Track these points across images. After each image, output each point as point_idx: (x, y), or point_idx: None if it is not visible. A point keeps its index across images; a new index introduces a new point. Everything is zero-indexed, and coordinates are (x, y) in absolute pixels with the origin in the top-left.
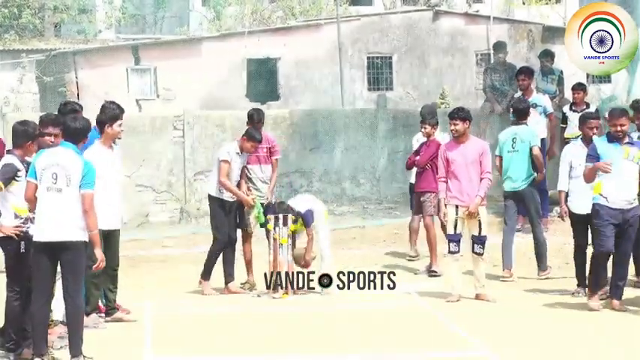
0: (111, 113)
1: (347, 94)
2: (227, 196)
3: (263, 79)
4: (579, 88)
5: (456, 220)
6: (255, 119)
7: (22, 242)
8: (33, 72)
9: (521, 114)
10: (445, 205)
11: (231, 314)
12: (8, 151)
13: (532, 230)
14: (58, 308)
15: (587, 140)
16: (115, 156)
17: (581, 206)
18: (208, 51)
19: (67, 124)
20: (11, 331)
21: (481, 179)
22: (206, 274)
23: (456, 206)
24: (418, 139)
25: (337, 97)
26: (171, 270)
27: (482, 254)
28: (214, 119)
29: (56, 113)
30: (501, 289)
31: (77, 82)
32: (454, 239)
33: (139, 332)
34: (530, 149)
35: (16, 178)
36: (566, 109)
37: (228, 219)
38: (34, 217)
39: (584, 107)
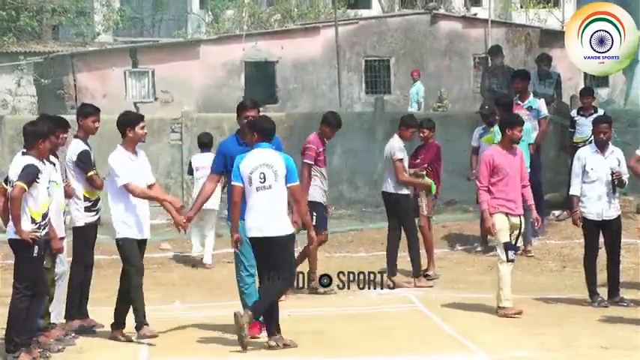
0: (133, 116)
1: (345, 97)
2: None
3: (261, 82)
4: (588, 93)
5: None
6: (333, 123)
7: (36, 246)
8: (31, 74)
9: (507, 108)
10: (491, 214)
11: (228, 318)
12: (24, 153)
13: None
14: (55, 311)
15: (602, 144)
16: (141, 161)
17: (595, 212)
18: (206, 54)
19: (263, 126)
20: (13, 333)
21: (524, 186)
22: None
23: (506, 214)
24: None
25: (335, 100)
26: (168, 273)
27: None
28: (212, 122)
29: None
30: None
31: (75, 85)
32: (513, 248)
33: (136, 336)
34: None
35: (37, 180)
36: (574, 113)
37: None
38: (45, 223)
39: (592, 112)
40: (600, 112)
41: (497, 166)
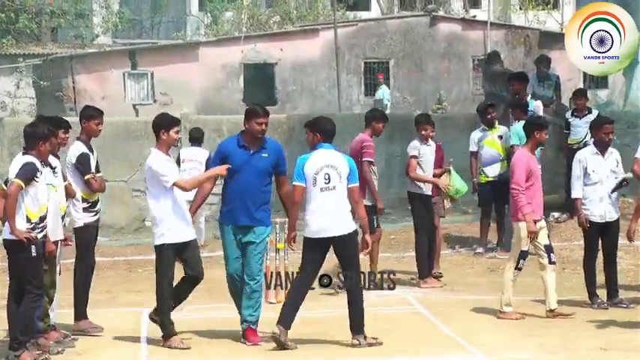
0: (169, 118)
1: (344, 99)
2: None
3: (260, 83)
4: (581, 94)
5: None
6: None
7: (33, 246)
8: (30, 77)
9: (525, 109)
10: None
11: (227, 319)
12: (24, 152)
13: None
14: (52, 313)
15: (603, 146)
16: (174, 163)
17: (599, 214)
18: (205, 56)
19: (325, 126)
20: (18, 332)
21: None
22: None
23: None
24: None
25: (334, 102)
26: None
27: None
28: (211, 124)
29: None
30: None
31: (74, 87)
32: (553, 250)
33: (136, 338)
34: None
35: (35, 179)
36: (568, 114)
37: None
38: (43, 226)
39: (586, 113)
40: (595, 112)
41: (530, 171)
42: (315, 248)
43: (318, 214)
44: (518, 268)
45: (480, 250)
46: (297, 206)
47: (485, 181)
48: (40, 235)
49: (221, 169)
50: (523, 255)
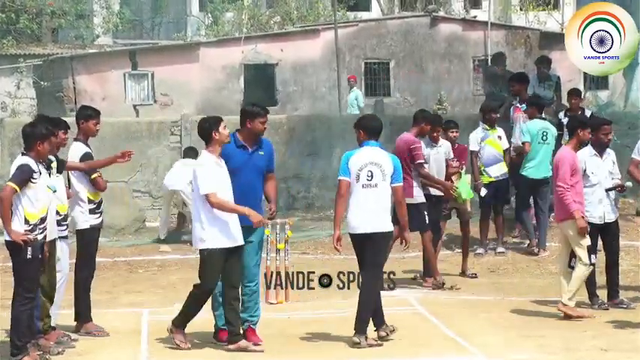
0: (212, 119)
1: (344, 99)
2: None
3: (260, 84)
4: (576, 94)
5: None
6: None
7: (29, 248)
8: (30, 77)
9: (540, 108)
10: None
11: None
12: (23, 153)
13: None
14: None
15: (601, 147)
16: (224, 167)
17: (598, 215)
18: (206, 56)
19: (371, 124)
20: (15, 337)
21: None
22: None
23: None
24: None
25: (335, 103)
26: (168, 275)
27: None
28: None
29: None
30: (501, 294)
31: (74, 88)
32: (595, 252)
33: (136, 338)
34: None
35: (32, 180)
36: (561, 115)
37: None
38: (44, 227)
39: (580, 113)
40: (588, 113)
41: (576, 169)
42: (357, 245)
43: (358, 210)
44: (593, 264)
45: (480, 250)
46: (342, 200)
47: (488, 182)
48: (40, 237)
49: (255, 216)
50: (591, 249)
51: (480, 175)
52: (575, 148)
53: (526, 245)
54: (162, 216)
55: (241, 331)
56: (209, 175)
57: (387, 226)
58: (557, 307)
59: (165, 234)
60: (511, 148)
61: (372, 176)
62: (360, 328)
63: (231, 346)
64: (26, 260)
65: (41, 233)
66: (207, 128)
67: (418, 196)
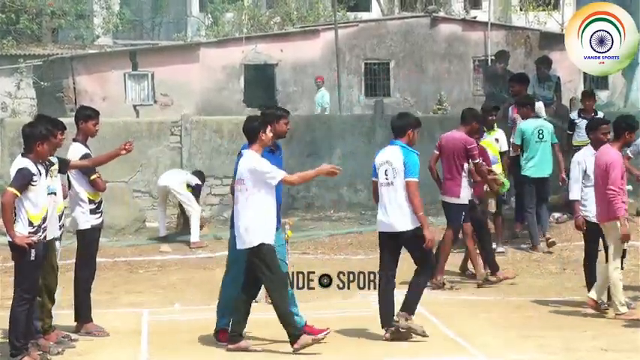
0: (264, 118)
1: (344, 100)
2: None
3: (260, 84)
4: (589, 95)
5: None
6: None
7: (33, 250)
8: (30, 77)
9: (533, 107)
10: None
11: None
12: (23, 154)
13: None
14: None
15: (599, 146)
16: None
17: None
18: (206, 57)
19: (392, 123)
20: (14, 338)
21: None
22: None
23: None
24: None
25: (334, 103)
26: (168, 275)
27: None
28: (212, 125)
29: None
30: (501, 294)
31: (75, 88)
32: (625, 255)
33: (136, 338)
34: (552, 145)
35: (32, 183)
36: (574, 115)
37: None
38: (44, 224)
39: (593, 115)
40: (600, 114)
41: (624, 172)
42: (381, 242)
43: (380, 209)
44: (622, 267)
45: (500, 249)
46: (374, 199)
47: None
48: (42, 237)
49: (333, 168)
50: (624, 254)
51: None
52: (620, 150)
53: (529, 246)
54: (159, 214)
55: (243, 332)
56: (268, 164)
57: (409, 222)
58: (615, 317)
59: (165, 232)
60: (510, 149)
61: (387, 175)
62: (406, 306)
63: (230, 346)
64: (30, 262)
65: (43, 233)
66: (256, 128)
67: (465, 196)
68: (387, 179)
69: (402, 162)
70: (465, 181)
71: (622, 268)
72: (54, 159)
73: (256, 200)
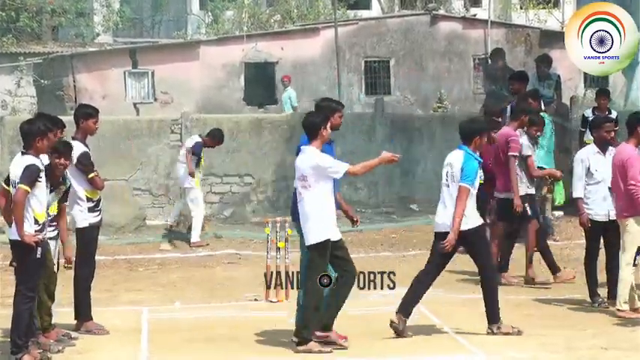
0: (324, 114)
1: (344, 98)
2: None
3: (261, 83)
4: (604, 94)
5: None
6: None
7: (39, 248)
8: (30, 75)
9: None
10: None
11: (228, 318)
12: (23, 152)
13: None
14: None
15: (603, 144)
16: None
17: (602, 213)
18: (206, 55)
19: (460, 126)
20: (16, 336)
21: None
22: None
23: None
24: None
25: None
26: (168, 273)
27: None
28: (212, 123)
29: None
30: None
31: (75, 86)
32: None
33: (136, 336)
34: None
35: (39, 179)
36: (588, 112)
37: None
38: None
39: (608, 113)
40: (614, 114)
41: None
42: (434, 242)
43: (438, 208)
44: (635, 265)
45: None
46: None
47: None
48: (47, 235)
49: (393, 156)
50: (639, 251)
51: None
52: (636, 146)
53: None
54: (177, 205)
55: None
56: (330, 158)
57: (467, 222)
58: (617, 314)
59: (173, 220)
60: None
61: (446, 177)
62: (489, 318)
63: (300, 348)
64: (35, 260)
65: (47, 229)
66: (318, 124)
67: (522, 189)
68: (446, 181)
69: (461, 167)
70: (519, 176)
71: (635, 265)
72: (68, 182)
73: (319, 196)
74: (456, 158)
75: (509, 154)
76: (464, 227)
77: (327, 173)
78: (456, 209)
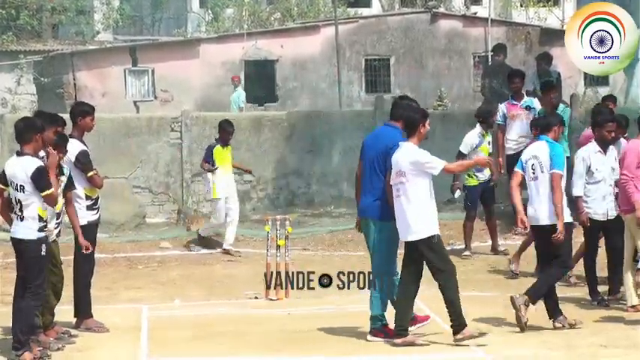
0: (424, 111)
1: (344, 96)
2: None
3: (261, 80)
4: (611, 99)
5: None
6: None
7: (43, 245)
8: (31, 73)
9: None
10: None
11: (228, 316)
12: (19, 153)
13: None
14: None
15: (605, 144)
16: None
17: (602, 212)
18: (206, 53)
19: (537, 121)
20: (19, 332)
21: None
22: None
23: None
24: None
25: (335, 99)
26: (168, 271)
27: None
28: (212, 121)
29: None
30: (501, 290)
31: (75, 84)
32: None
33: (136, 334)
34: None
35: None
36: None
37: None
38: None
39: None
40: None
41: None
42: (535, 237)
43: (530, 203)
44: (636, 260)
45: (467, 252)
46: (511, 190)
47: (477, 183)
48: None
49: (489, 160)
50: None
51: (468, 177)
52: None
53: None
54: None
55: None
56: (427, 154)
57: (553, 217)
58: (627, 311)
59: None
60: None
61: (534, 170)
62: (551, 313)
63: (397, 341)
64: (41, 257)
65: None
66: (417, 120)
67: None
68: (533, 174)
69: (549, 155)
70: None
71: (636, 261)
72: (66, 170)
73: (420, 191)
74: (538, 149)
75: None
76: (548, 221)
77: (425, 169)
78: (555, 196)
